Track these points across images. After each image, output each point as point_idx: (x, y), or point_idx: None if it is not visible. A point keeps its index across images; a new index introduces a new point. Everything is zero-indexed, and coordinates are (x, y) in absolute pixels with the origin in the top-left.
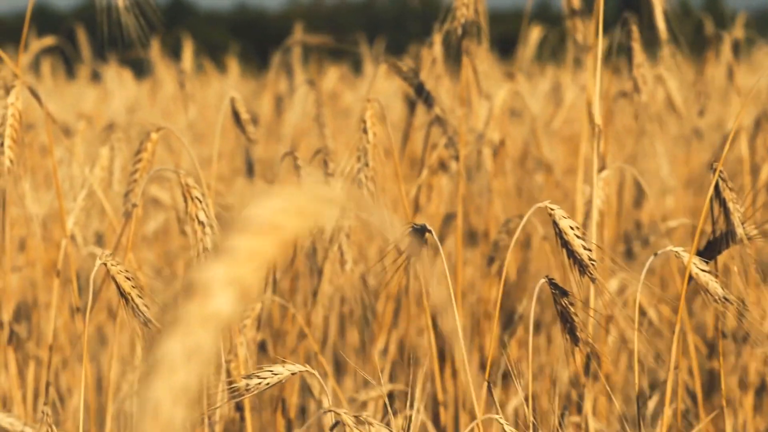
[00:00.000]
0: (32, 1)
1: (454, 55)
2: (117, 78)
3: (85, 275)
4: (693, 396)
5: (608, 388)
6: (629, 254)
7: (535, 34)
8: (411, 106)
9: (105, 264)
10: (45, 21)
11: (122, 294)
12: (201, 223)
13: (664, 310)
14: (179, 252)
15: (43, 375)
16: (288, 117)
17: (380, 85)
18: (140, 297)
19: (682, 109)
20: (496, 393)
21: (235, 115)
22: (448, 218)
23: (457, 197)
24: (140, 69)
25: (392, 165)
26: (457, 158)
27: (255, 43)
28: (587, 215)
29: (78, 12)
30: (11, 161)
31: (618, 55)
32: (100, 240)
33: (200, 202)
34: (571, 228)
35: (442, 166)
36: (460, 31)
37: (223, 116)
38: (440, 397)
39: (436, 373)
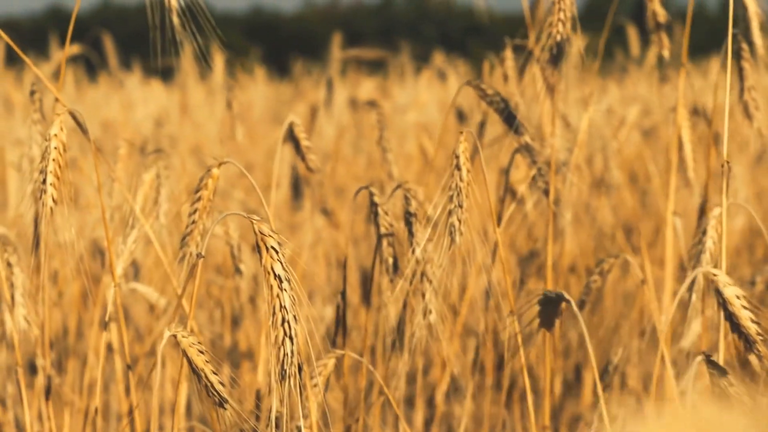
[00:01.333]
0: (78, 5)
1: (522, 72)
2: (142, 84)
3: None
4: None
5: None
6: None
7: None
8: (480, 127)
9: (175, 336)
10: (61, 23)
11: (194, 370)
12: (278, 277)
13: None
14: (221, 280)
15: (77, 423)
16: (325, 129)
17: (423, 95)
18: (215, 373)
19: (765, 130)
20: None
21: (294, 141)
22: (531, 256)
23: (546, 235)
24: (159, 73)
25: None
26: (546, 192)
27: (270, 45)
28: (697, 258)
29: (95, 14)
30: (54, 201)
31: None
32: (138, 273)
33: (276, 252)
34: (737, 297)
35: (514, 195)
36: (555, 50)
37: (280, 143)
38: None
39: None
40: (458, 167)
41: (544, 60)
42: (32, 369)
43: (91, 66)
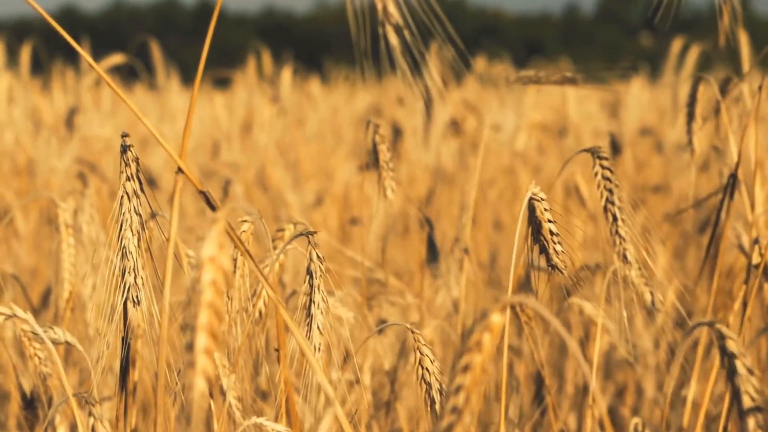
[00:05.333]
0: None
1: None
2: (183, 94)
3: None
4: None
5: None
6: None
7: (676, 48)
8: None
9: None
10: (75, 23)
11: None
12: None
13: None
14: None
15: None
16: (422, 159)
17: (533, 115)
18: None
19: None
20: None
21: (535, 223)
22: None
23: None
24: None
25: None
26: None
27: (283, 47)
28: None
29: (106, 15)
30: (210, 381)
31: None
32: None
33: None
34: None
35: None
36: None
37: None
38: None
39: None
40: None
41: None
42: None
43: (121, 70)
